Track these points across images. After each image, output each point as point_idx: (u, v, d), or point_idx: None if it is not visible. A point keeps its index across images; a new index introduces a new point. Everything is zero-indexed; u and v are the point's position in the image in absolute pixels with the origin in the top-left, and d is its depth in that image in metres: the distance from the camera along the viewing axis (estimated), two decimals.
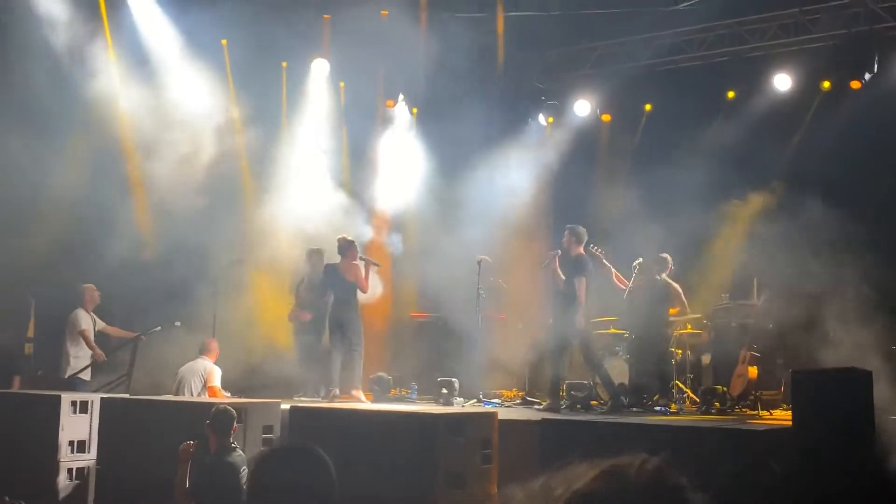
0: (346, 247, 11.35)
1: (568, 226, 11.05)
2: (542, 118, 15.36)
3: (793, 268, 11.19)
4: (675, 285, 11.30)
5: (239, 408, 8.27)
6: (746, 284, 12.22)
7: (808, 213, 11.43)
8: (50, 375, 11.70)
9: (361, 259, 11.35)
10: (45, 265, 11.66)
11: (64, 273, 11.73)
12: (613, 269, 11.35)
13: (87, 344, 11.22)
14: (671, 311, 11.32)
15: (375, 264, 11.54)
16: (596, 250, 11.21)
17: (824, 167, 12.37)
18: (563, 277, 10.64)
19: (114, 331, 11.73)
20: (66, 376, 11.09)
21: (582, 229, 10.88)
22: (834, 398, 6.27)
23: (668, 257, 11.32)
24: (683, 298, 11.27)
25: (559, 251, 10.82)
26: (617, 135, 14.67)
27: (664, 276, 11.23)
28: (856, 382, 6.42)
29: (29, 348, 13.35)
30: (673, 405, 10.76)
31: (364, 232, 12.88)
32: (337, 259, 11.40)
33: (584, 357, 10.84)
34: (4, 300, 12.55)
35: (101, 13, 12.51)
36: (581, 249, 10.79)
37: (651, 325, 11.11)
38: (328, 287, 11.36)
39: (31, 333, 13.43)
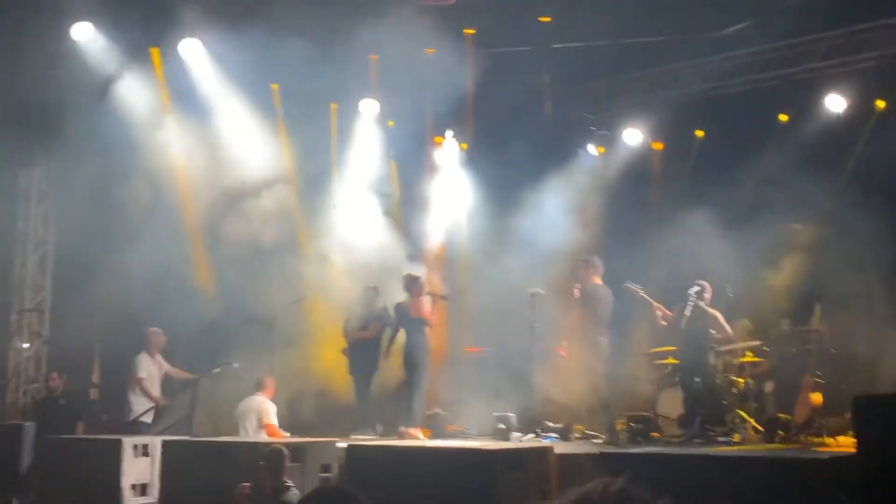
0: (410, 283, 11.44)
1: (583, 257, 11.20)
2: (592, 149, 15.33)
3: (854, 291, 11.03)
4: (713, 311, 11.12)
5: (296, 447, 8.35)
6: (807, 309, 11.98)
7: (867, 235, 11.27)
8: (114, 420, 11.92)
9: (429, 294, 11.42)
10: (108, 310, 11.91)
11: (127, 318, 11.96)
12: (654, 303, 11.28)
13: (144, 392, 11.37)
14: (715, 337, 11.16)
15: (444, 297, 11.58)
16: (632, 287, 11.25)
17: (882, 187, 12.14)
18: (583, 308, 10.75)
19: (176, 372, 11.91)
20: (128, 420, 11.25)
21: (598, 260, 10.98)
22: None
23: (706, 284, 11.19)
24: (724, 323, 11.08)
25: (578, 285, 10.90)
26: (669, 163, 14.57)
27: (702, 304, 11.07)
28: None
29: (94, 393, 13.62)
30: (736, 435, 10.57)
31: (418, 268, 12.93)
32: (403, 296, 11.48)
33: None
34: (70, 346, 12.89)
35: (155, 65, 12.82)
36: (598, 279, 10.85)
37: (692, 354, 10.98)
38: (398, 325, 11.46)
39: (95, 378, 13.72)
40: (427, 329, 11.32)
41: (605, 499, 2.11)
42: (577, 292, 10.89)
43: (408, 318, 11.34)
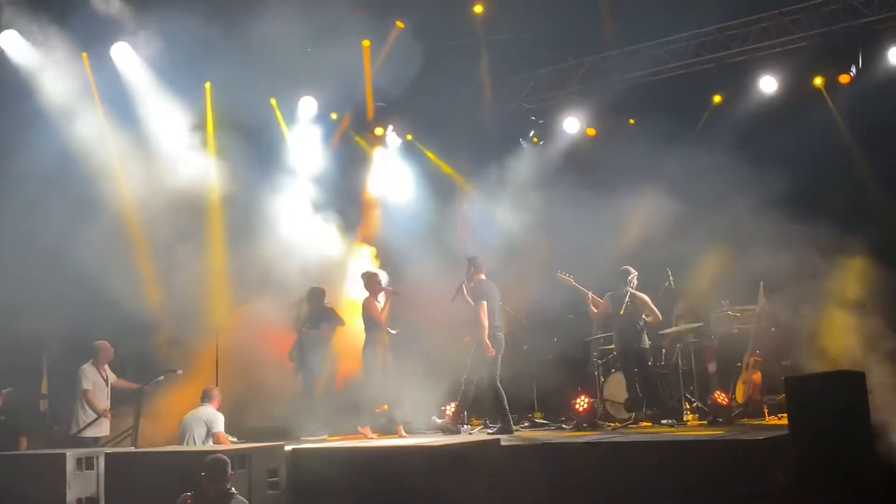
0: (368, 280, 11.46)
1: (467, 257, 11.42)
2: (530, 138, 15.45)
3: (794, 270, 11.22)
4: (642, 295, 11.27)
5: (241, 453, 8.31)
6: (747, 289, 12.15)
7: (804, 213, 11.49)
8: (59, 433, 11.75)
9: (387, 289, 11.44)
10: (55, 321, 11.75)
11: (72, 328, 11.80)
12: (589, 293, 11.46)
13: (89, 404, 11.22)
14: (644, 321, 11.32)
15: (395, 293, 11.57)
16: (565, 275, 11.50)
17: (816, 166, 12.40)
18: (473, 304, 10.99)
19: (120, 383, 11.76)
20: (73, 433, 11.11)
21: (480, 259, 11.25)
22: (828, 402, 6.26)
23: (631, 269, 11.35)
24: (653, 307, 11.23)
25: (464, 282, 11.15)
26: (607, 150, 14.69)
27: (629, 288, 11.21)
28: (849, 384, 6.41)
29: (44, 405, 13.41)
30: (685, 418, 10.79)
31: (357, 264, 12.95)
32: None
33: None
34: (17, 357, 12.67)
35: (86, 67, 12.67)
36: (481, 276, 11.12)
37: (625, 340, 11.15)
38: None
39: (44, 389, 13.51)
40: (377, 328, 11.29)
41: None
42: (464, 290, 11.12)
43: (365, 317, 11.34)
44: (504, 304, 12.86)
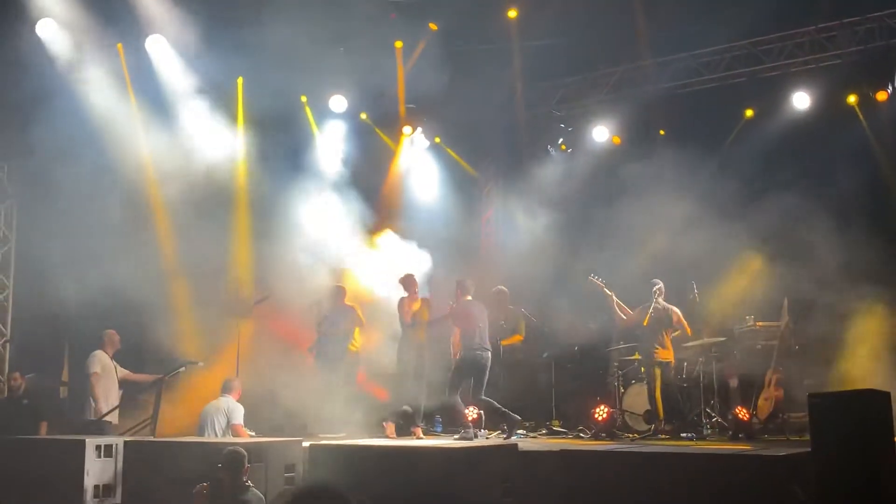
0: (403, 281, 11.57)
1: (456, 279, 11.53)
2: (559, 145, 15.43)
3: (820, 288, 11.13)
4: (674, 309, 11.27)
5: (259, 447, 8.34)
6: (774, 305, 12.07)
7: (832, 232, 11.40)
8: (78, 420, 11.80)
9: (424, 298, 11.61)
10: (78, 309, 11.83)
11: (95, 315, 11.88)
12: (615, 298, 11.51)
13: (92, 389, 11.27)
14: (668, 335, 11.29)
15: (426, 301, 11.67)
16: (596, 280, 11.59)
17: (841, 183, 12.30)
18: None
19: (137, 377, 11.78)
20: (90, 419, 11.16)
21: (469, 282, 11.36)
22: (851, 420, 6.18)
23: (657, 280, 11.39)
24: (683, 320, 11.29)
25: (452, 304, 11.33)
26: (636, 160, 14.64)
27: (658, 299, 11.21)
28: (874, 404, 6.33)
29: (64, 392, 13.51)
30: (710, 431, 10.74)
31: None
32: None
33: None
34: (37, 345, 12.78)
35: (121, 58, 12.78)
36: (468, 297, 11.29)
37: (650, 351, 11.13)
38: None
39: (65, 377, 13.62)
40: (409, 328, 11.36)
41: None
42: (450, 309, 11.30)
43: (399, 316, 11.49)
44: (525, 309, 12.92)
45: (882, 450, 6.20)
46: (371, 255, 13.16)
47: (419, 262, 12.58)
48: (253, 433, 10.64)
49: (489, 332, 11.34)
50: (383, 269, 12.63)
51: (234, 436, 10.35)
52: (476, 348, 11.03)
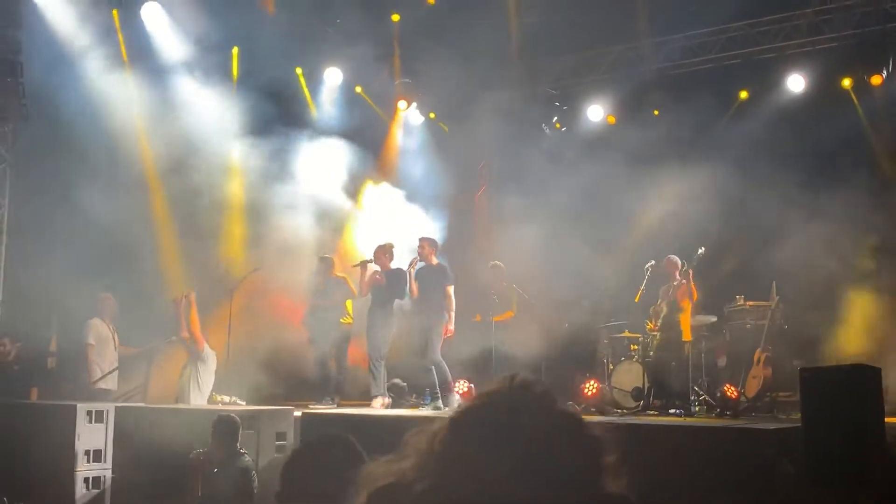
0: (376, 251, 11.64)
1: (424, 237, 11.55)
2: (554, 123, 15.40)
3: (810, 269, 11.17)
4: (690, 285, 11.30)
5: (251, 415, 8.36)
6: (763, 284, 12.11)
7: (825, 213, 11.43)
8: (69, 388, 11.77)
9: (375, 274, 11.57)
10: (66, 276, 11.78)
11: (86, 284, 11.84)
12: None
13: (89, 359, 11.26)
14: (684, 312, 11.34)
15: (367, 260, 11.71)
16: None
17: (841, 166, 12.32)
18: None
19: (130, 350, 11.75)
20: (89, 383, 11.16)
21: (436, 240, 11.45)
22: (842, 395, 6.23)
23: (676, 258, 11.40)
24: (686, 289, 11.31)
25: (418, 261, 11.36)
26: (629, 140, 14.63)
27: (678, 276, 11.27)
28: (865, 379, 6.38)
29: (52, 362, 13.46)
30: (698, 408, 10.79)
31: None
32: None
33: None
34: (26, 312, 12.71)
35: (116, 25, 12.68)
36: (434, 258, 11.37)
37: (670, 328, 11.19)
38: None
39: (53, 346, 13.56)
40: (382, 301, 11.36)
41: (510, 389, 2.20)
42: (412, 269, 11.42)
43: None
44: (517, 286, 12.94)
45: (872, 424, 6.25)
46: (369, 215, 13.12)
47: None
48: (243, 403, 10.66)
49: (483, 307, 11.36)
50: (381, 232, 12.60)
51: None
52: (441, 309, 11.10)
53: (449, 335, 11.15)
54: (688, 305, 11.34)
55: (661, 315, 11.42)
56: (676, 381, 10.94)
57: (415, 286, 11.32)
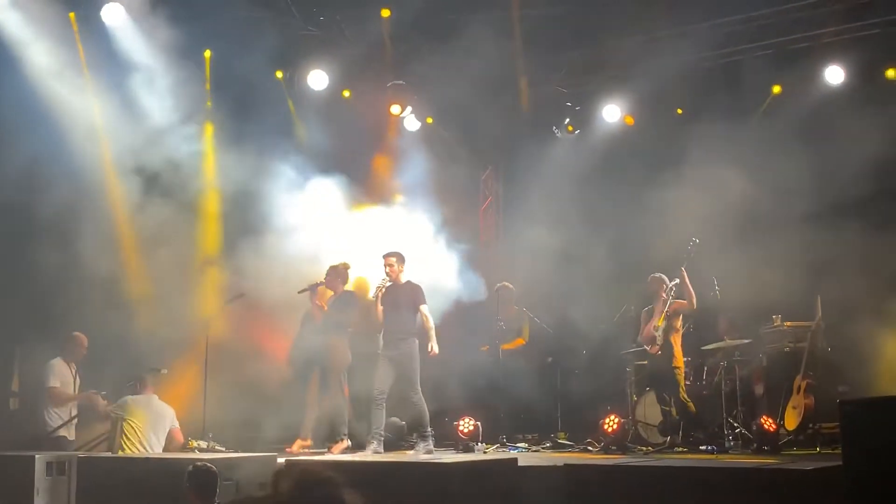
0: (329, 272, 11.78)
1: (391, 252, 11.34)
2: (565, 126, 15.44)
3: (856, 284, 11.18)
4: (680, 301, 11.29)
5: (230, 463, 8.37)
6: (804, 303, 12.09)
7: (868, 222, 11.44)
8: (31, 435, 11.81)
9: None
10: (29, 313, 11.84)
11: (48, 322, 11.89)
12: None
13: (55, 402, 11.28)
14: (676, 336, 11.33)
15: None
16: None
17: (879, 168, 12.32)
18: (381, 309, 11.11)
19: (90, 398, 11.72)
20: (47, 432, 11.18)
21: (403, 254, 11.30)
22: (886, 430, 6.20)
23: (663, 276, 11.41)
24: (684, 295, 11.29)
25: (386, 281, 11.16)
26: (650, 141, 14.66)
27: (669, 296, 11.24)
28: None
29: (14, 403, 13.50)
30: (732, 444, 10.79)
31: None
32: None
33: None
34: None
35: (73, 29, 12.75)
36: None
37: (661, 356, 11.19)
38: None
39: (15, 387, 13.60)
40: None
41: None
42: (408, 286, 11.30)
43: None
44: (528, 309, 12.97)
45: None
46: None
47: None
48: (222, 448, 10.68)
49: (489, 336, 11.36)
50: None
51: (173, 441, 10.44)
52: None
53: (433, 355, 11.08)
54: (680, 326, 11.32)
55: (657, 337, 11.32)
56: (703, 413, 10.97)
57: (379, 309, 11.10)
